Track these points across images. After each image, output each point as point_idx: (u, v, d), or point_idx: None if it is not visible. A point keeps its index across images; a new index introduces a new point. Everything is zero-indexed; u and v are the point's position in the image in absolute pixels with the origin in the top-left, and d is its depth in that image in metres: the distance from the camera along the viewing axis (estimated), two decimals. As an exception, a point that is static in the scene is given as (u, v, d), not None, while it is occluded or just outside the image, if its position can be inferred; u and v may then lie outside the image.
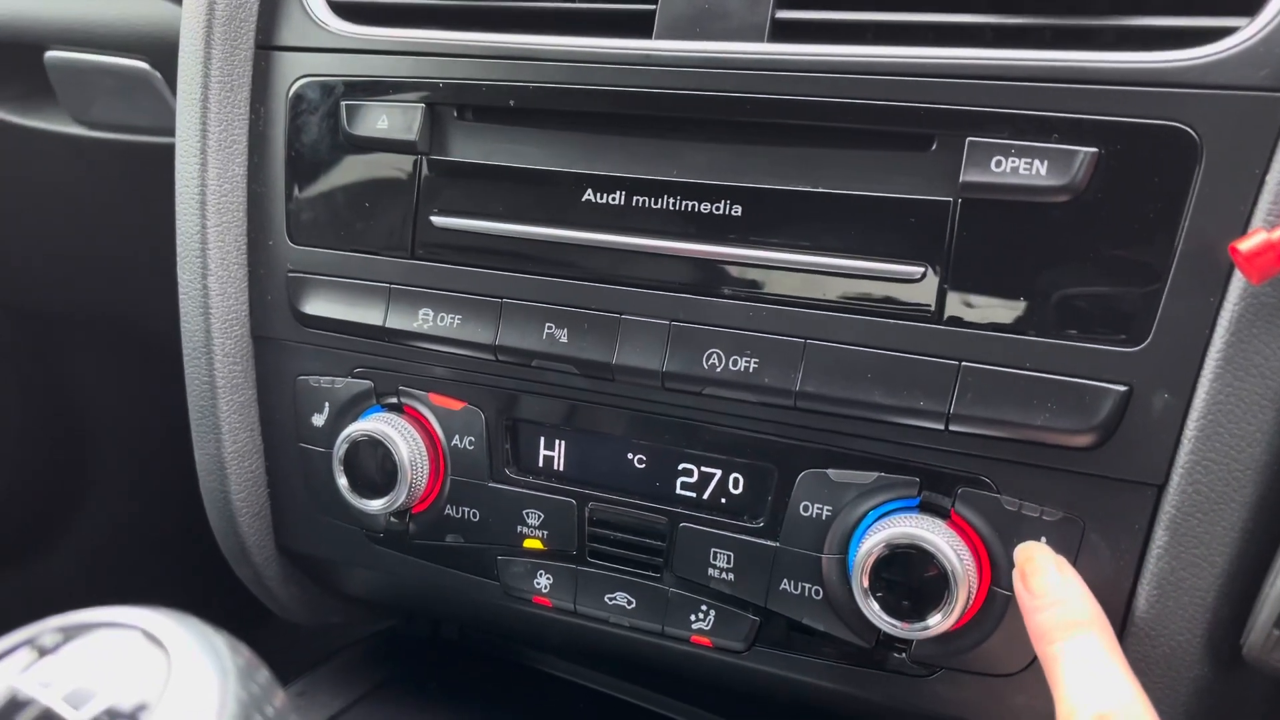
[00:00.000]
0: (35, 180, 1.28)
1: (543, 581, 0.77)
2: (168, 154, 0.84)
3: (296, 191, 0.80)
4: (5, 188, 1.31)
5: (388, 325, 0.77)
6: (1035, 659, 0.64)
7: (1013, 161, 0.60)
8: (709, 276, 0.68)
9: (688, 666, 0.75)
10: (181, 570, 1.52)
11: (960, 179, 0.61)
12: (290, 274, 0.80)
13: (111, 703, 0.35)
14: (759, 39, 0.66)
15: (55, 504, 1.93)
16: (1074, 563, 0.62)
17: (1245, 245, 0.54)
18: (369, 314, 0.78)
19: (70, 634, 0.38)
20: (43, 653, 0.37)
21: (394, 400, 0.79)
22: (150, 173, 0.96)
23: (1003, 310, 0.62)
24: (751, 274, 0.67)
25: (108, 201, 1.26)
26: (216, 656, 0.38)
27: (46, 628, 0.38)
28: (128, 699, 0.35)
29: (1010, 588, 0.63)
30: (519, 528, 0.76)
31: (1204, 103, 0.57)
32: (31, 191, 1.31)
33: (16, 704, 0.35)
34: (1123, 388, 0.59)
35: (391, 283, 0.77)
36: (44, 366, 1.88)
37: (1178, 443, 0.59)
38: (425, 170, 0.76)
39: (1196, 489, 0.58)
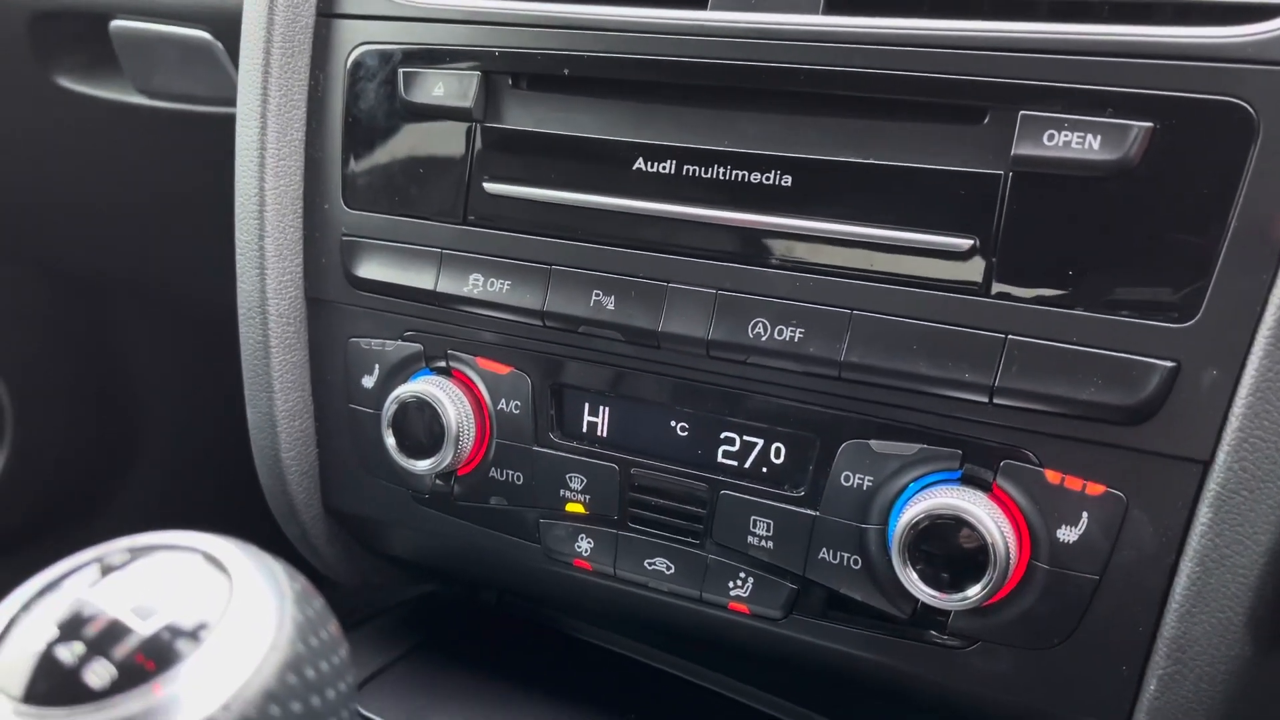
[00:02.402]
0: (97, 148, 1.31)
1: (583, 545, 0.78)
2: (226, 124, 0.86)
3: (353, 157, 0.82)
4: (68, 155, 1.34)
5: (438, 289, 0.78)
6: (1074, 632, 0.64)
7: (1065, 136, 0.60)
8: (756, 246, 0.69)
9: (724, 633, 0.76)
10: (228, 532, 1.55)
11: (1012, 153, 0.61)
12: (344, 237, 0.82)
13: (174, 618, 0.37)
14: (814, 10, 0.67)
15: (106, 468, 1.98)
16: (1116, 539, 0.62)
17: (1301, 221, 0.54)
18: (420, 278, 0.79)
19: (137, 554, 0.40)
20: (109, 570, 0.39)
21: (443, 364, 0.81)
22: (209, 142, 0.98)
23: (1050, 284, 0.62)
24: (799, 244, 0.68)
25: (166, 170, 1.28)
26: (275, 581, 0.39)
27: (115, 548, 0.40)
28: (190, 616, 0.37)
29: (1050, 561, 0.63)
30: (561, 492, 0.78)
31: (1261, 79, 0.56)
32: (92, 159, 1.34)
33: (84, 616, 0.37)
34: (1170, 364, 0.59)
35: (443, 248, 0.78)
36: (96, 334, 1.92)
37: (1225, 420, 0.59)
38: (479, 137, 0.77)
39: (1243, 466, 0.58)
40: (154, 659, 0.35)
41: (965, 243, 0.63)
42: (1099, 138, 0.59)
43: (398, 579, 0.98)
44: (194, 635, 0.36)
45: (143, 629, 0.36)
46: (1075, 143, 0.60)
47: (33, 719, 0.34)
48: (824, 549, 0.70)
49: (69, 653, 0.35)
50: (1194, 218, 0.59)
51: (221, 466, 1.40)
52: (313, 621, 0.39)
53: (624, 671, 0.92)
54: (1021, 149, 0.61)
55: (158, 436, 2.01)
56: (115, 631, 0.36)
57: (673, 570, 0.75)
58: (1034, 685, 0.66)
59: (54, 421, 1.89)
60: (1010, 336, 0.63)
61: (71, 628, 0.36)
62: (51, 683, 0.35)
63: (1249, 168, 0.57)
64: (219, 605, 0.37)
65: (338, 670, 0.39)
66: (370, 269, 0.81)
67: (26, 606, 0.38)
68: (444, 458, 0.78)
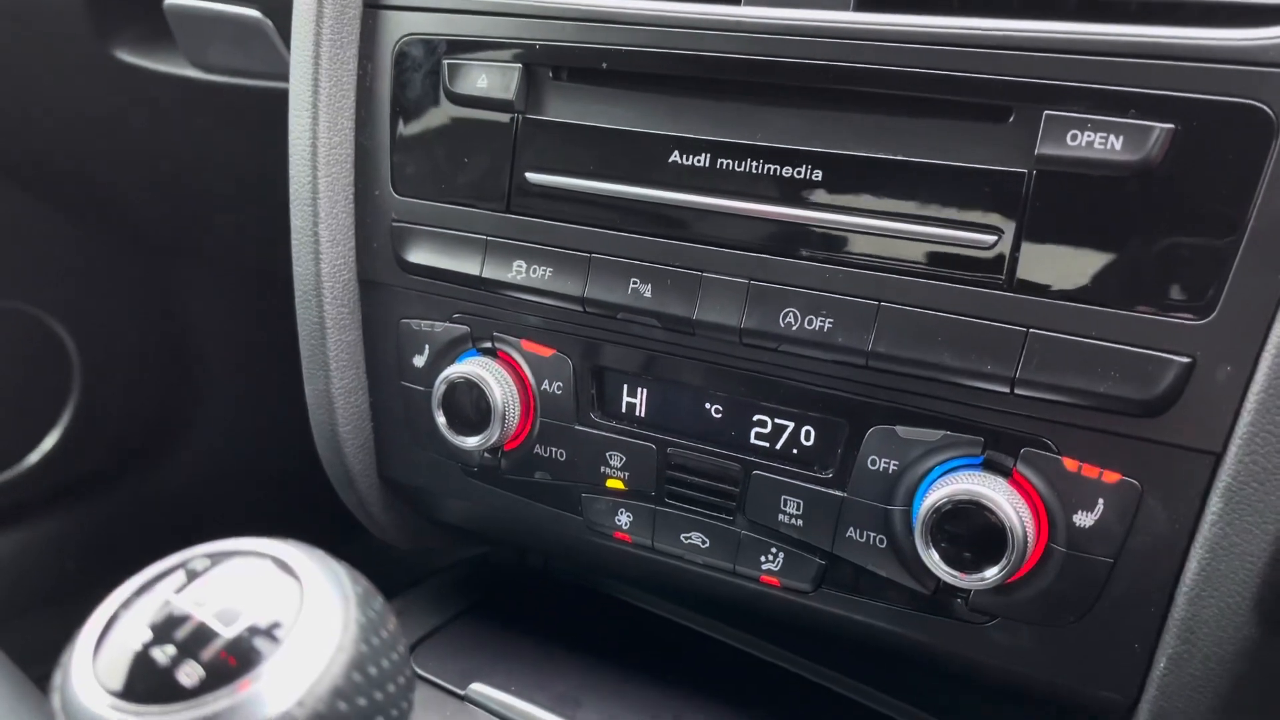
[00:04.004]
0: (155, 117, 1.35)
1: (623, 519, 0.82)
2: (279, 99, 0.90)
3: (401, 145, 0.85)
4: (128, 124, 1.39)
5: (484, 275, 0.82)
6: (1089, 611, 0.67)
7: (1088, 136, 0.62)
8: (788, 238, 0.71)
9: (756, 604, 0.80)
10: (286, 488, 1.62)
11: (1036, 152, 0.63)
12: (395, 224, 0.86)
13: (253, 621, 0.41)
14: (844, 7, 0.68)
15: (168, 421, 2.06)
16: (1130, 525, 0.65)
17: (1315, 226, 0.55)
18: (467, 264, 0.82)
19: (216, 559, 0.44)
20: (194, 575, 0.43)
21: (489, 345, 0.85)
22: (262, 116, 1.01)
23: (1071, 280, 0.64)
24: (829, 237, 0.70)
25: (222, 140, 1.32)
26: (340, 585, 0.44)
27: (196, 554, 0.44)
28: (266, 619, 0.41)
29: (1067, 545, 0.66)
30: (602, 468, 0.82)
31: None
32: (152, 128, 1.38)
33: (173, 619, 0.41)
34: (1186, 359, 0.61)
35: (489, 235, 0.82)
36: (160, 294, 1.99)
37: (1238, 414, 0.61)
38: (521, 128, 0.80)
39: (1254, 459, 0.60)
40: (237, 659, 0.40)
41: (990, 238, 0.65)
42: (1121, 138, 0.61)
43: (450, 543, 1.03)
44: (271, 637, 0.41)
45: (226, 632, 0.40)
46: (1098, 143, 0.62)
47: (132, 715, 0.38)
48: (851, 528, 0.73)
49: (162, 654, 0.40)
50: (1212, 218, 0.60)
51: (281, 422, 1.46)
52: (374, 622, 0.43)
53: (668, 635, 0.96)
54: (1045, 148, 0.63)
55: (218, 393, 2.09)
56: (202, 634, 0.40)
57: (708, 544, 0.79)
58: (1051, 659, 0.70)
59: (119, 375, 1.97)
60: (1031, 330, 0.65)
61: (164, 631, 0.41)
62: (148, 682, 0.39)
63: (1268, 169, 0.59)
64: (292, 609, 0.42)
65: (396, 666, 0.43)
66: (419, 255, 0.85)
67: (126, 604, 0.43)
68: (491, 435, 0.82)
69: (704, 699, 0.87)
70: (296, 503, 1.49)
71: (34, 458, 1.91)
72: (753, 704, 0.87)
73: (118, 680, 0.40)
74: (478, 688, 0.87)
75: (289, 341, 0.93)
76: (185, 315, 2.04)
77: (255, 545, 0.45)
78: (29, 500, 1.91)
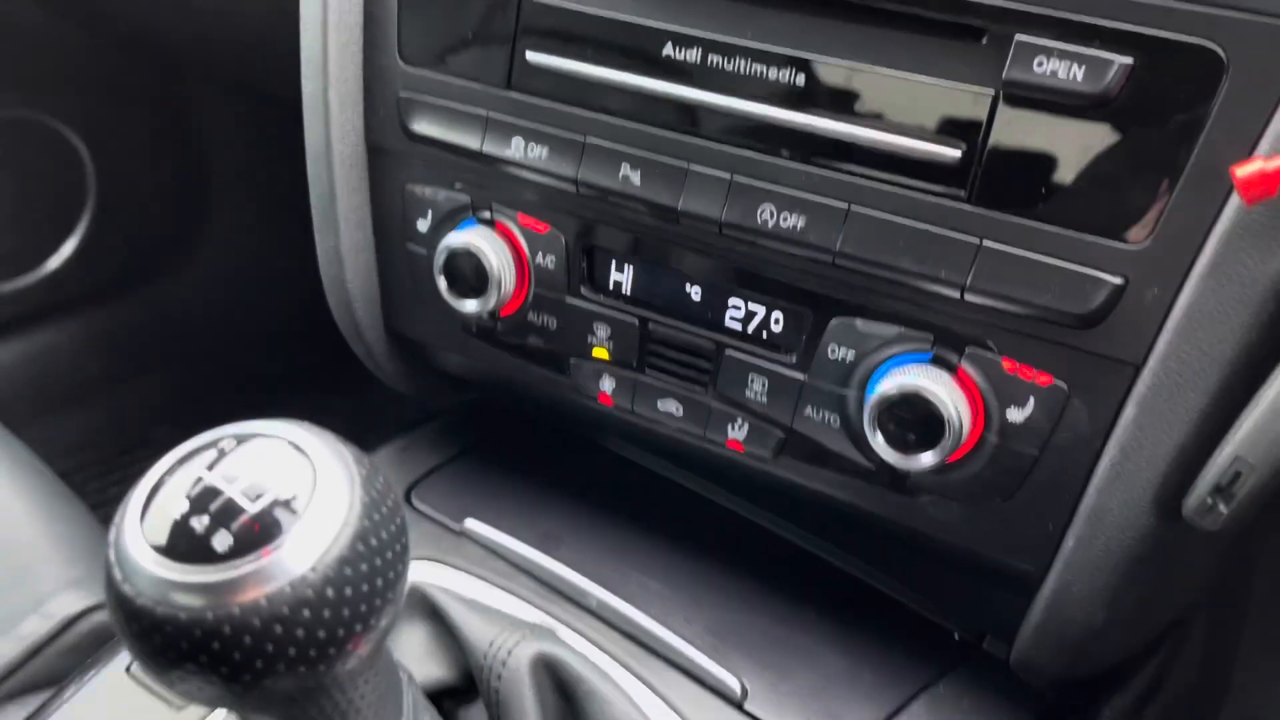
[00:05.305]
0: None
1: (607, 384, 0.90)
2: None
3: (409, 15, 0.88)
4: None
5: (484, 150, 0.86)
6: (1013, 494, 0.75)
7: (1053, 64, 0.65)
8: (769, 137, 0.76)
9: (723, 466, 0.89)
10: (292, 314, 1.69)
11: (1003, 75, 0.67)
12: (401, 93, 0.90)
13: (274, 497, 0.49)
14: None
15: (180, 235, 2.13)
16: (1056, 423, 0.72)
17: (1242, 171, 0.60)
18: (468, 138, 0.87)
19: (241, 440, 0.52)
20: (222, 455, 0.51)
21: (488, 215, 0.90)
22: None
23: (1024, 199, 0.69)
24: (807, 139, 0.75)
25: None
26: (346, 465, 0.51)
27: (225, 434, 0.52)
28: (285, 495, 0.49)
29: (998, 436, 0.74)
30: (589, 338, 0.89)
31: (1235, 26, 0.61)
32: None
33: (207, 492, 0.49)
34: (1119, 280, 0.67)
35: (489, 111, 0.86)
36: (174, 113, 2.02)
37: (1159, 332, 0.67)
38: (525, 8, 0.83)
39: (1168, 373, 0.67)
40: (261, 530, 0.48)
41: (955, 153, 0.70)
42: (1083, 69, 0.65)
43: (452, 390, 1.11)
44: (290, 511, 0.48)
45: (251, 508, 0.48)
46: (1061, 71, 0.65)
47: (176, 571, 0.47)
48: (809, 407, 0.81)
49: (199, 524, 0.47)
50: (1157, 153, 0.65)
51: (287, 257, 1.52)
52: (376, 500, 0.51)
53: (647, 483, 1.05)
54: (1012, 73, 0.66)
55: (228, 215, 2.15)
56: (231, 509, 0.48)
57: (681, 412, 0.87)
58: (976, 533, 0.78)
59: (134, 188, 2.02)
60: (984, 242, 0.70)
61: (199, 503, 0.48)
62: (187, 545, 0.47)
63: (1214, 110, 0.63)
64: (306, 488, 0.49)
65: (394, 536, 0.51)
66: (423, 125, 0.89)
67: (170, 471, 0.51)
68: (489, 301, 0.89)
69: (673, 541, 0.97)
70: (301, 329, 1.57)
71: (53, 263, 2.00)
72: (717, 550, 0.96)
73: (161, 540, 0.48)
74: (471, 524, 0.97)
75: (297, 178, 0.98)
76: (200, 136, 2.08)
77: (275, 429, 0.52)
78: (50, 305, 2.01)
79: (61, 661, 1.06)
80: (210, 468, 0.50)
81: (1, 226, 1.88)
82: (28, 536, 1.20)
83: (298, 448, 0.51)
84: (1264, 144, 0.61)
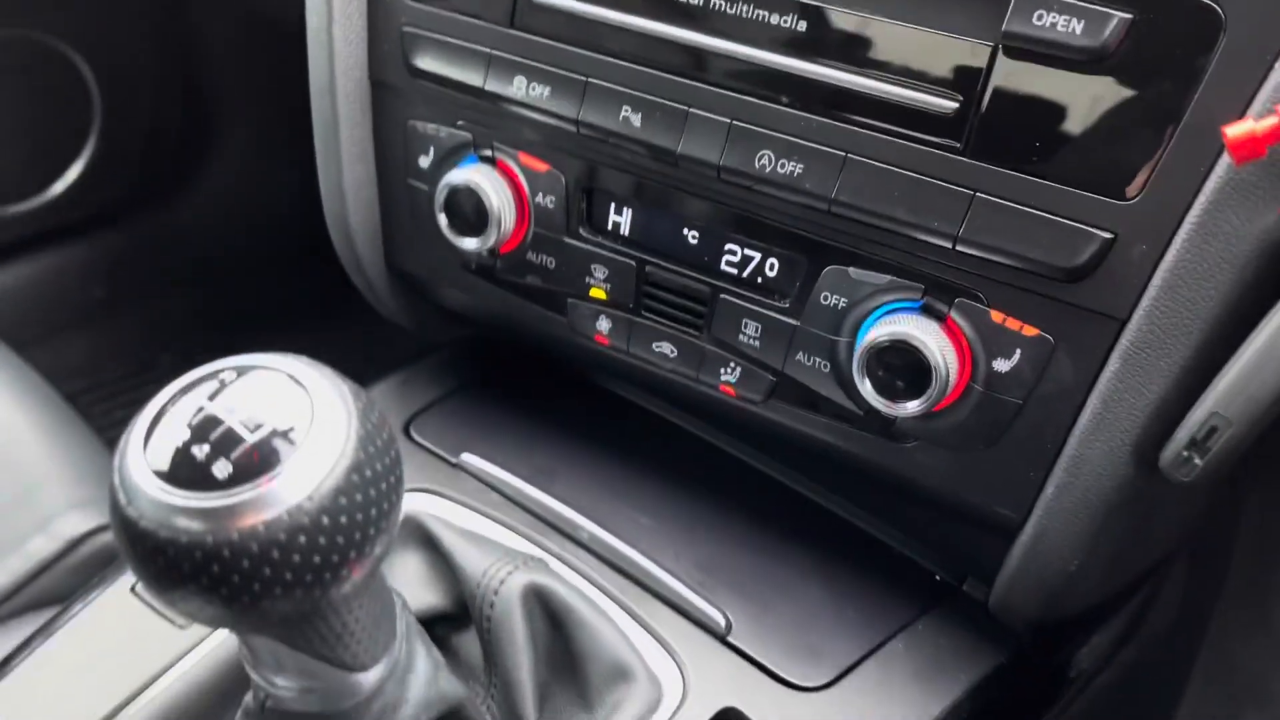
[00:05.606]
0: None
1: (603, 325, 0.91)
2: None
3: None
4: None
5: (486, 88, 0.87)
6: (996, 442, 0.77)
7: (1053, 17, 0.66)
8: (769, 83, 0.76)
9: (715, 408, 0.90)
10: (293, 239, 1.69)
11: (1003, 27, 0.67)
12: (405, 28, 0.90)
13: (273, 428, 0.50)
14: None
15: (187, 159, 2.13)
16: (1041, 374, 0.73)
17: (1233, 131, 0.61)
18: (471, 76, 0.87)
19: (241, 372, 0.53)
20: (223, 385, 0.52)
21: (489, 153, 0.91)
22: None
23: (1019, 153, 0.69)
24: (808, 87, 0.75)
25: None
26: (343, 399, 0.53)
27: (226, 365, 0.53)
28: (283, 427, 0.51)
29: (984, 385, 0.75)
30: (587, 278, 0.90)
31: None
32: None
33: (208, 421, 0.51)
34: (1109, 235, 0.68)
35: (493, 49, 0.86)
36: (178, 36, 2.01)
37: (1144, 288, 0.68)
38: None
39: (1152, 328, 0.68)
40: (260, 459, 0.49)
41: (952, 104, 0.71)
42: (1082, 23, 0.65)
43: (451, 326, 1.13)
44: (289, 441, 0.50)
45: (250, 438, 0.50)
46: (1060, 25, 0.66)
47: (178, 496, 0.49)
48: (800, 352, 0.82)
49: (200, 452, 0.49)
50: (1152, 110, 0.65)
51: (292, 172, 1.51)
52: (371, 433, 0.52)
53: (640, 421, 1.07)
54: (1012, 25, 0.67)
55: (232, 140, 2.15)
56: (231, 438, 0.50)
57: (676, 354, 0.88)
58: (960, 478, 0.80)
59: (138, 111, 2.02)
60: (978, 194, 0.71)
61: (200, 432, 0.50)
62: (189, 471, 0.49)
63: (1210, 69, 0.63)
64: (304, 420, 0.51)
65: (388, 468, 0.53)
66: (426, 61, 0.89)
67: (172, 400, 0.52)
68: (488, 238, 0.90)
69: (665, 479, 0.99)
70: (304, 259, 1.57)
71: (59, 187, 2.00)
72: (707, 488, 0.99)
73: (164, 466, 0.50)
74: (468, 457, 0.99)
75: (302, 106, 0.99)
76: (206, 63, 2.07)
77: (274, 361, 0.54)
78: (56, 227, 2.02)
79: (67, 580, 1.10)
80: (211, 398, 0.52)
81: (7, 149, 1.88)
82: (34, 457, 1.23)
83: (296, 381, 0.53)
84: (1256, 105, 0.62)
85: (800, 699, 0.83)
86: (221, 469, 0.49)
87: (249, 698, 0.63)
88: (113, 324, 2.13)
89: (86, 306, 2.09)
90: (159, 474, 0.50)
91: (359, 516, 0.50)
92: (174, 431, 0.51)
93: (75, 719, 0.78)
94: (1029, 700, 0.97)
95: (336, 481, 0.50)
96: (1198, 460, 0.68)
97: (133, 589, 0.86)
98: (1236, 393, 0.65)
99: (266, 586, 0.49)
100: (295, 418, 0.51)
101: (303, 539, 0.48)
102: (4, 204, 1.91)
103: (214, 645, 0.82)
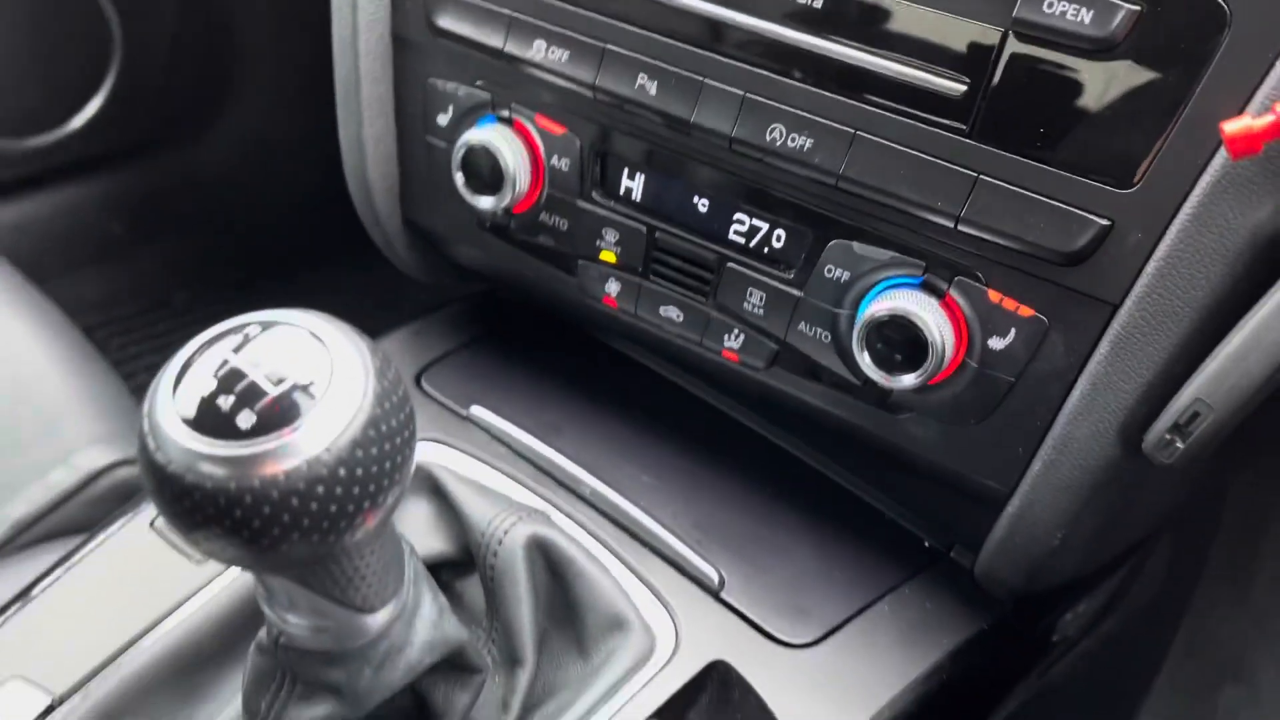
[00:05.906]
0: None
1: (612, 287, 0.93)
2: None
3: None
4: None
5: (506, 50, 0.88)
6: (988, 417, 0.80)
7: (1063, 6, 0.67)
8: (783, 58, 0.78)
9: (718, 373, 0.93)
10: (313, 184, 1.71)
11: (1013, 13, 0.68)
12: (427, -14, 0.91)
13: (294, 382, 0.53)
14: None
15: (208, 98, 2.14)
16: (1034, 354, 0.76)
17: (1231, 127, 0.62)
18: (492, 37, 0.89)
19: (265, 327, 0.56)
20: (247, 340, 0.55)
21: (506, 114, 0.92)
22: None
23: (1023, 137, 0.71)
24: (821, 64, 0.77)
25: None
26: (361, 355, 0.55)
27: (250, 320, 0.56)
28: (304, 380, 0.53)
29: (979, 362, 0.78)
30: (597, 241, 0.92)
31: None
32: None
33: (233, 374, 0.53)
34: (1106, 221, 0.70)
35: (514, 11, 0.88)
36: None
37: (1138, 274, 0.70)
38: None
39: (1143, 314, 0.70)
40: (281, 411, 0.52)
41: (960, 86, 0.72)
42: (1091, 13, 0.67)
43: (465, 281, 1.15)
44: (309, 395, 0.53)
45: (273, 391, 0.52)
46: (1070, 14, 0.67)
47: (203, 444, 0.51)
48: (803, 322, 0.84)
49: (225, 402, 0.52)
50: (1154, 100, 0.67)
51: (312, 117, 1.52)
52: (387, 390, 0.55)
53: (647, 381, 1.09)
54: (1022, 12, 0.68)
55: (252, 82, 2.15)
56: (254, 390, 0.52)
57: (682, 319, 0.91)
58: (951, 450, 0.83)
59: (158, 49, 2.03)
60: (981, 176, 0.73)
61: (225, 384, 0.53)
62: (214, 421, 0.52)
63: (1213, 62, 0.65)
64: (324, 375, 0.53)
65: (403, 423, 0.55)
66: (448, 21, 0.91)
67: (200, 351, 0.55)
68: (504, 198, 0.92)
69: (668, 439, 1.02)
70: (321, 205, 1.59)
71: (77, 122, 2.02)
72: (708, 450, 1.01)
73: (191, 414, 0.53)
74: (477, 410, 1.02)
75: (323, 53, 1.01)
76: (227, 3, 2.07)
77: (296, 318, 0.56)
78: (75, 162, 2.04)
79: (87, 511, 1.13)
80: (236, 351, 0.54)
81: (28, 82, 1.89)
82: (55, 390, 1.26)
83: (317, 337, 0.56)
84: (1256, 101, 0.63)
85: (787, 655, 0.86)
86: (245, 420, 0.52)
87: (262, 633, 0.67)
88: (130, 260, 2.15)
89: (105, 242, 2.11)
90: (186, 421, 0.52)
91: (374, 469, 0.53)
92: (201, 382, 0.53)
93: (94, 647, 0.82)
94: (1009, 665, 1.01)
95: (353, 435, 0.53)
96: (1179, 444, 0.70)
97: (152, 524, 0.90)
98: (1220, 381, 0.67)
99: (285, 531, 0.52)
100: (315, 373, 0.54)
101: (320, 488, 0.51)
102: (24, 136, 1.93)
103: (229, 581, 0.85)
